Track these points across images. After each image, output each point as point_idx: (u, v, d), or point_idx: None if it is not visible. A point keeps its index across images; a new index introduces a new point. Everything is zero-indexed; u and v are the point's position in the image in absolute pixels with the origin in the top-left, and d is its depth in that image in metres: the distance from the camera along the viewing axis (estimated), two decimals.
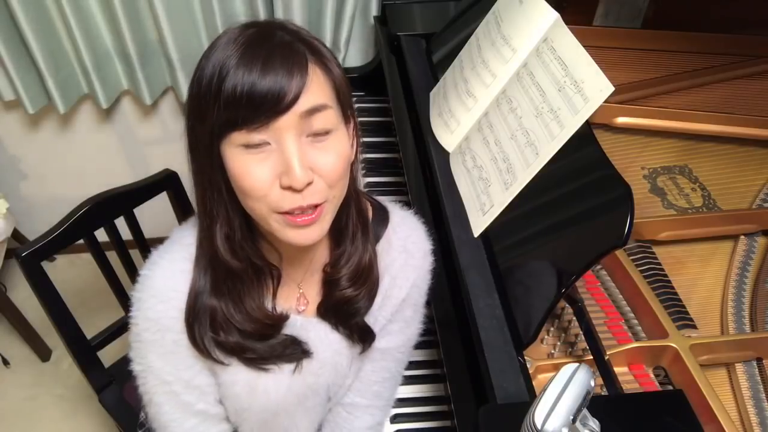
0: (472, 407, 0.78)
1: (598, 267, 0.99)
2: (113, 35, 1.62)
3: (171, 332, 0.71)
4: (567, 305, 0.92)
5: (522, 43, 0.97)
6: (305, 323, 0.78)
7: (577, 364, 0.56)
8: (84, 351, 1.24)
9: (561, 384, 0.54)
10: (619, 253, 0.93)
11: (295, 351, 0.77)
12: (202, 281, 0.70)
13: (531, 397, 0.75)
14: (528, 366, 0.80)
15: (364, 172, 1.33)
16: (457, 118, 1.08)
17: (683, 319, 0.90)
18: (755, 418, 0.80)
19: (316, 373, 0.81)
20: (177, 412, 0.77)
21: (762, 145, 1.17)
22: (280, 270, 0.74)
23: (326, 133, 0.61)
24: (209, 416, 0.79)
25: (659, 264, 0.98)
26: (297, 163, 0.59)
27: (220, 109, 0.58)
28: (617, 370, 0.82)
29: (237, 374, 0.75)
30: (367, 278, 0.77)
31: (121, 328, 1.30)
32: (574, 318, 0.88)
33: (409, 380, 0.99)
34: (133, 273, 1.28)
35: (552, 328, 0.91)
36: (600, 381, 0.78)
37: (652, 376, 0.84)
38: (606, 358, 0.80)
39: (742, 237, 1.03)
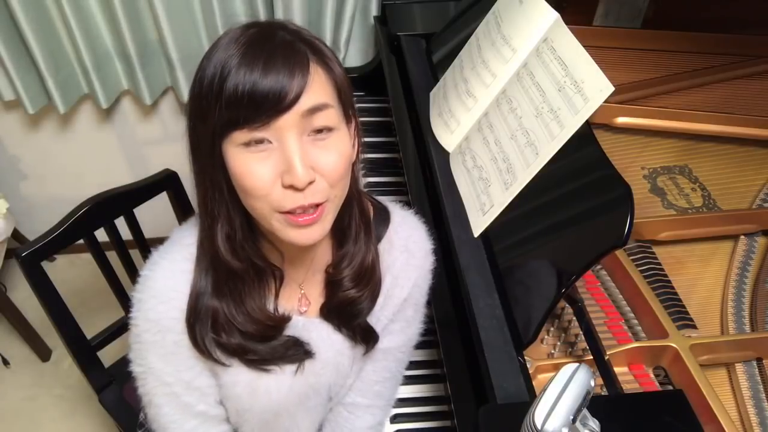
0: (472, 407, 0.78)
1: (598, 267, 0.99)
2: (113, 35, 1.62)
3: (172, 333, 0.71)
4: (567, 305, 0.92)
5: (522, 43, 0.97)
6: (307, 324, 0.78)
7: (577, 364, 0.56)
8: (84, 351, 1.24)
9: (561, 384, 0.54)
10: (619, 253, 0.93)
11: (297, 352, 0.76)
12: (203, 282, 0.70)
13: (531, 397, 0.75)
14: (528, 366, 0.80)
15: (363, 172, 1.33)
16: (457, 118, 1.08)
17: (683, 319, 0.90)
18: (755, 418, 0.80)
19: (318, 374, 0.80)
20: (177, 414, 0.77)
21: (762, 145, 1.17)
22: (283, 271, 0.74)
23: (328, 131, 0.62)
24: (209, 417, 0.79)
25: (659, 264, 0.98)
26: (299, 161, 0.59)
27: (222, 109, 0.58)
28: (617, 370, 0.82)
29: (238, 375, 0.75)
30: (370, 279, 0.77)
31: (121, 328, 1.30)
32: (574, 318, 0.88)
33: (409, 380, 0.99)
34: (133, 273, 1.28)
35: (552, 328, 0.91)
36: (600, 381, 0.78)
37: (652, 376, 0.84)
38: (606, 358, 0.80)
39: (742, 237, 1.03)
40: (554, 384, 0.54)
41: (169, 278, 0.71)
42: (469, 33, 1.13)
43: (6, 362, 1.93)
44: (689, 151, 1.17)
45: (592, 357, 0.81)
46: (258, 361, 0.75)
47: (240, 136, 0.59)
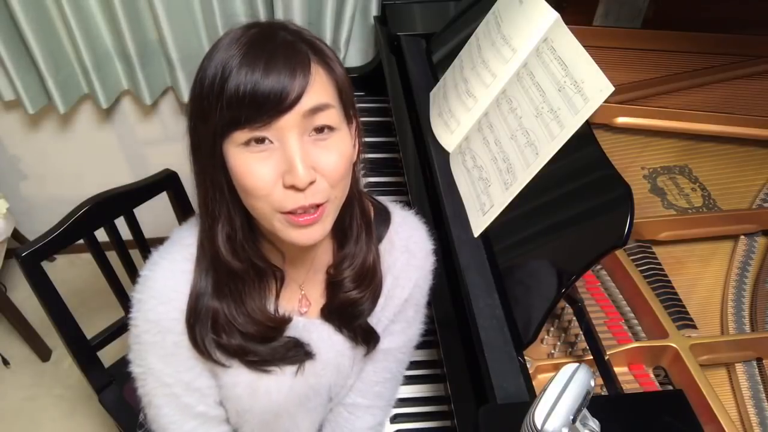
0: (472, 407, 0.78)
1: (598, 267, 0.99)
2: (113, 35, 1.62)
3: (171, 334, 0.71)
4: (567, 305, 0.92)
5: (522, 43, 0.97)
6: (308, 325, 0.78)
7: (577, 364, 0.56)
8: (84, 351, 1.24)
9: (561, 384, 0.54)
10: (619, 253, 0.93)
11: (298, 353, 0.76)
12: (203, 282, 0.70)
13: (531, 397, 0.75)
14: (528, 366, 0.80)
15: (364, 172, 1.33)
16: (457, 118, 1.08)
17: (683, 319, 0.90)
18: (755, 418, 0.80)
19: (319, 374, 0.80)
20: (177, 414, 0.77)
21: (762, 145, 1.17)
22: (283, 271, 0.74)
23: (329, 131, 0.62)
24: (209, 418, 0.79)
25: (659, 264, 0.98)
26: (300, 161, 0.59)
27: (223, 109, 0.58)
28: (617, 370, 0.82)
29: (238, 376, 0.75)
30: (371, 279, 0.77)
31: (121, 328, 1.30)
32: (574, 318, 0.88)
33: (409, 380, 0.99)
34: (133, 273, 1.28)
35: (552, 328, 0.91)
36: (600, 381, 0.78)
37: (652, 376, 0.84)
38: (606, 358, 0.80)
39: (742, 237, 1.03)
40: (554, 384, 0.54)
41: (169, 278, 0.71)
42: (469, 33, 1.13)
43: (6, 362, 1.93)
44: (689, 151, 1.17)
45: (592, 357, 0.81)
46: (258, 362, 0.74)
47: (241, 135, 0.59)
